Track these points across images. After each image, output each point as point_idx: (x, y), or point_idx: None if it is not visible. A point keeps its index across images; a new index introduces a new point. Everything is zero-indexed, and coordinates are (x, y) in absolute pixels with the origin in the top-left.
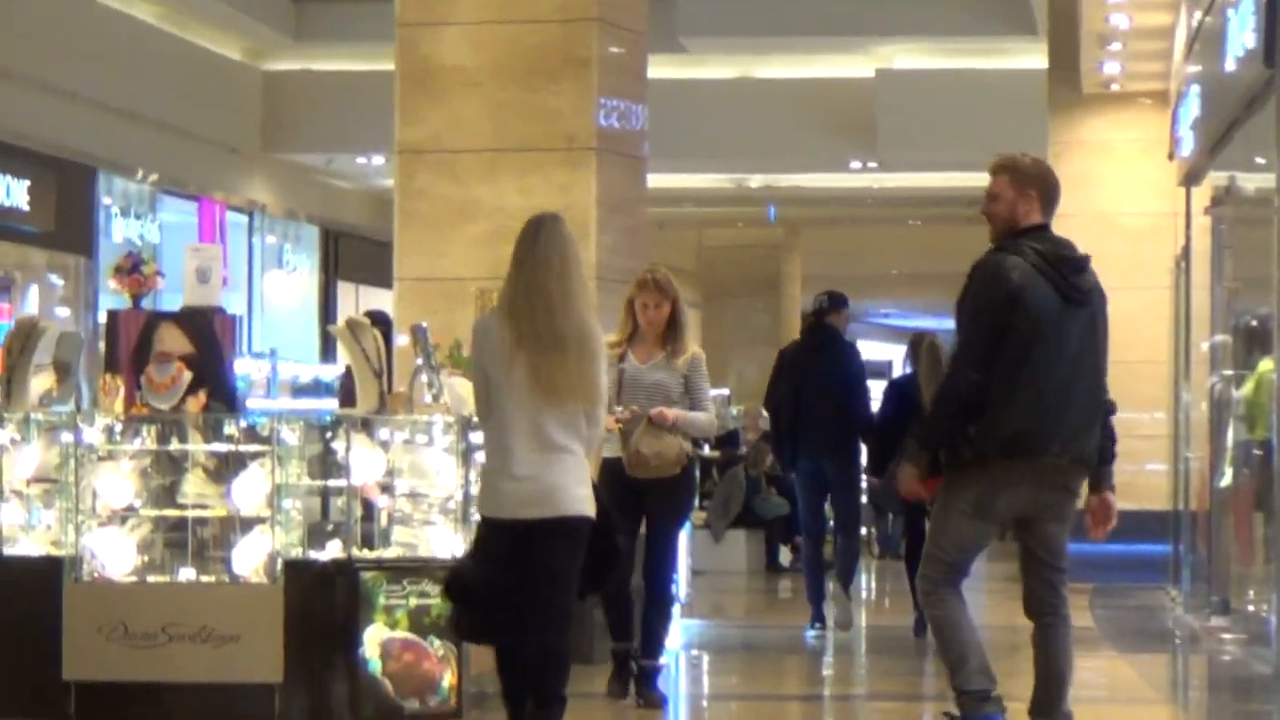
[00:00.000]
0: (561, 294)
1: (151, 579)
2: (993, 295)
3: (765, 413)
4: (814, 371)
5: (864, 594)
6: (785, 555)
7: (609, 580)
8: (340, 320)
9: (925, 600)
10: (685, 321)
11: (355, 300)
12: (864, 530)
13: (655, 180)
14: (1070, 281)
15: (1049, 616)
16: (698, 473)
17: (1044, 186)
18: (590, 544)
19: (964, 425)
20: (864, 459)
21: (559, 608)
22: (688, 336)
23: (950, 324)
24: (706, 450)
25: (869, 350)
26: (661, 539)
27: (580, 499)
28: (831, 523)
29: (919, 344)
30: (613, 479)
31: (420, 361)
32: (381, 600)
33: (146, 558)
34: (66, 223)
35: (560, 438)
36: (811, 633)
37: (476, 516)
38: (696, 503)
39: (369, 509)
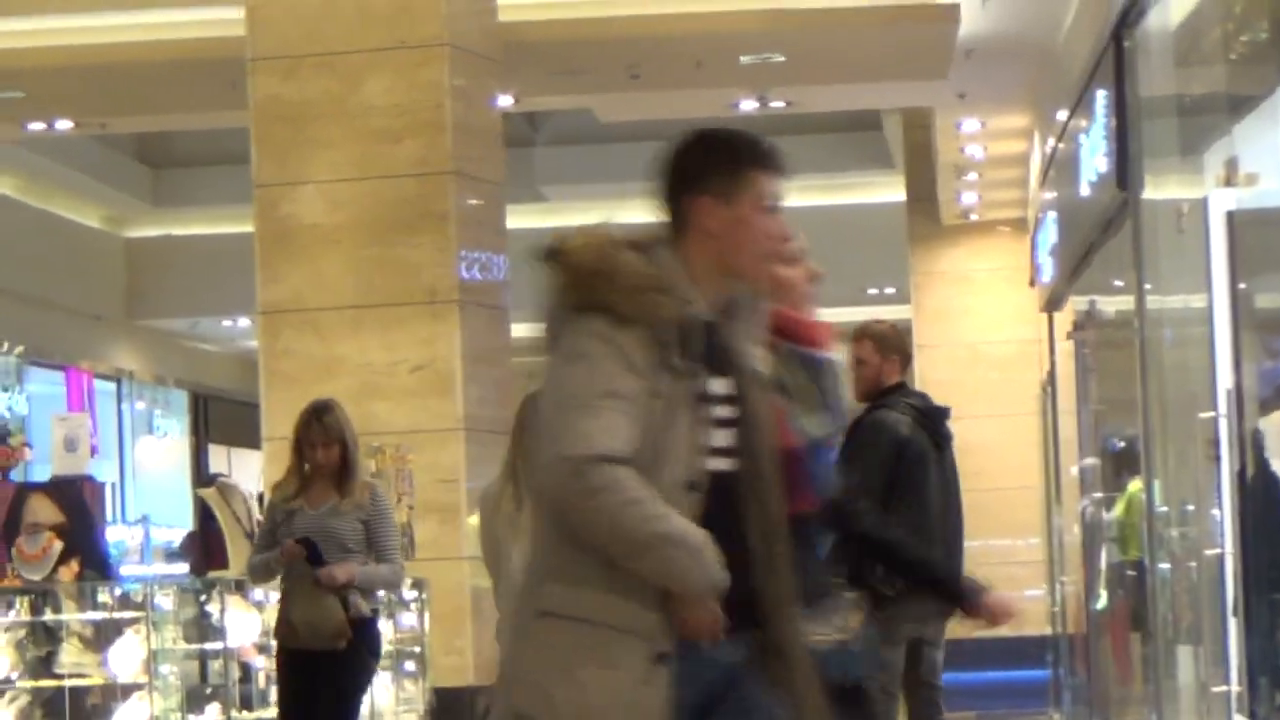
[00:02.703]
0: None
1: None
2: (884, 448)
3: None
4: None
5: None
6: None
7: None
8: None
9: None
10: (358, 461)
11: (227, 462)
12: None
13: (522, 330)
14: (940, 430)
15: None
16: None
17: (903, 350)
18: None
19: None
20: None
21: None
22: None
23: None
24: None
25: None
26: None
27: None
28: None
29: None
30: (278, 655)
31: None
32: None
33: None
34: None
35: None
36: None
37: None
38: None
39: (247, 670)
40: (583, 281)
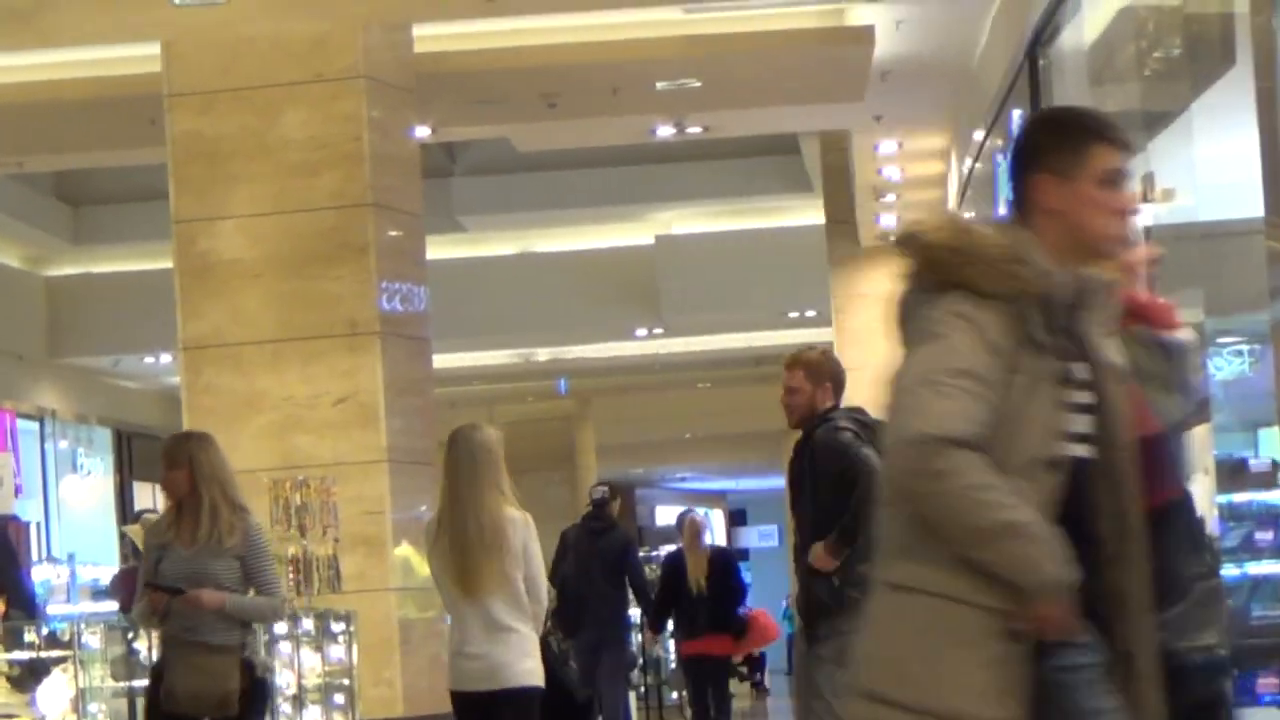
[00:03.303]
0: (471, 496)
1: None
2: (843, 464)
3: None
4: (597, 552)
5: None
6: None
7: None
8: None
9: None
10: (205, 493)
11: (152, 498)
12: (676, 695)
13: (444, 360)
14: (877, 444)
15: None
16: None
17: (835, 376)
18: (549, 704)
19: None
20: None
21: None
22: (230, 510)
23: (745, 484)
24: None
25: (667, 515)
26: None
27: (526, 672)
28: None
29: (681, 521)
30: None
31: None
32: None
33: None
34: None
35: (507, 619)
36: None
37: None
38: None
39: None
40: (941, 261)
